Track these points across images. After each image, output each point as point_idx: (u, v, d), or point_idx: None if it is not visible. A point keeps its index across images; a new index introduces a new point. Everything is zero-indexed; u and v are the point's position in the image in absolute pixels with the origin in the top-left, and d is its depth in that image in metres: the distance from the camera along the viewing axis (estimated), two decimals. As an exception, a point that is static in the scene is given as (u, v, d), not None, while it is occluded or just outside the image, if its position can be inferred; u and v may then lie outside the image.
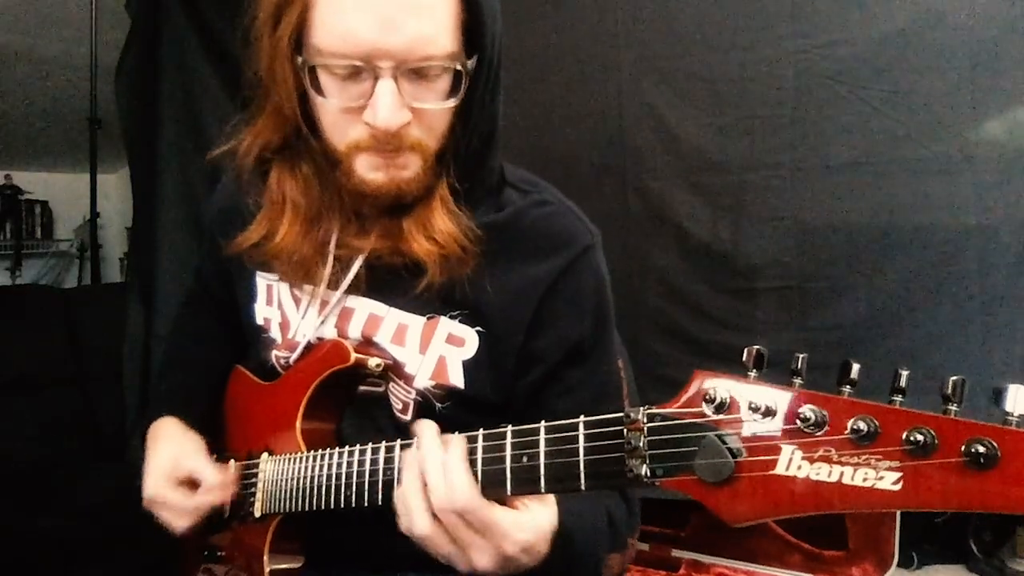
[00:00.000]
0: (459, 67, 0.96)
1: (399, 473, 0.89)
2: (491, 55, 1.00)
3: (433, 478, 0.83)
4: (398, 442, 0.94)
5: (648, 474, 0.70)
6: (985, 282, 1.99)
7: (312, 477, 1.05)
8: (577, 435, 0.77)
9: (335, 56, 0.94)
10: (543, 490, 0.80)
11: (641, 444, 0.71)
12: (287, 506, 1.08)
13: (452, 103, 0.98)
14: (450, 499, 0.81)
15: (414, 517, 0.83)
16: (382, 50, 0.92)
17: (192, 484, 1.16)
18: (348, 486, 0.99)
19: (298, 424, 1.11)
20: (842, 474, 0.58)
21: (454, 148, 1.03)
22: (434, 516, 0.83)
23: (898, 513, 2.06)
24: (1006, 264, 1.98)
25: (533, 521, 0.85)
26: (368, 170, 1.00)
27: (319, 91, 0.98)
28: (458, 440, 0.85)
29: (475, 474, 0.83)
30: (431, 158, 1.01)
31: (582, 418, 0.77)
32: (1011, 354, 1.97)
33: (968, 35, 1.96)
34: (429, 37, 0.93)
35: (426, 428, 0.88)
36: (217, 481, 1.15)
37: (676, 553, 2.36)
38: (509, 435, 0.83)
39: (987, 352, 1.99)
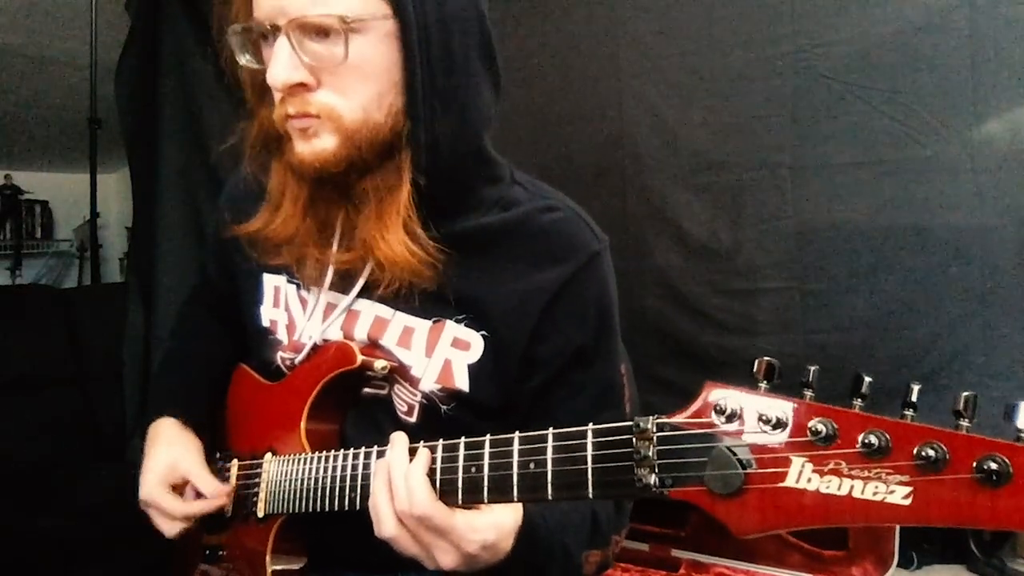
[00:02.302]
0: (353, 25, 0.93)
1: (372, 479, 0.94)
2: (421, 21, 0.95)
3: (396, 486, 0.88)
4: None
5: (657, 484, 0.70)
6: (985, 282, 1.99)
7: (316, 479, 1.05)
8: (585, 443, 0.77)
9: (252, 22, 0.98)
10: (550, 497, 0.80)
11: (650, 453, 0.70)
12: (290, 507, 1.09)
13: (347, 61, 0.94)
14: (410, 505, 0.86)
15: (382, 521, 0.89)
16: (279, 7, 0.94)
17: (187, 488, 1.17)
18: (352, 488, 1.00)
19: (302, 425, 1.11)
20: (852, 487, 0.58)
21: (412, 135, 0.99)
22: (399, 520, 0.87)
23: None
24: (1006, 264, 1.97)
25: (492, 520, 0.89)
26: (296, 143, 1.01)
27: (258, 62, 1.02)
28: (423, 452, 0.90)
29: (482, 479, 0.85)
30: (348, 132, 0.98)
31: (590, 426, 0.77)
32: (1012, 354, 1.96)
33: (968, 35, 1.95)
34: None
35: (397, 439, 0.93)
36: (212, 490, 1.16)
37: (676, 553, 2.35)
38: (516, 441, 0.83)
39: (987, 352, 1.99)
